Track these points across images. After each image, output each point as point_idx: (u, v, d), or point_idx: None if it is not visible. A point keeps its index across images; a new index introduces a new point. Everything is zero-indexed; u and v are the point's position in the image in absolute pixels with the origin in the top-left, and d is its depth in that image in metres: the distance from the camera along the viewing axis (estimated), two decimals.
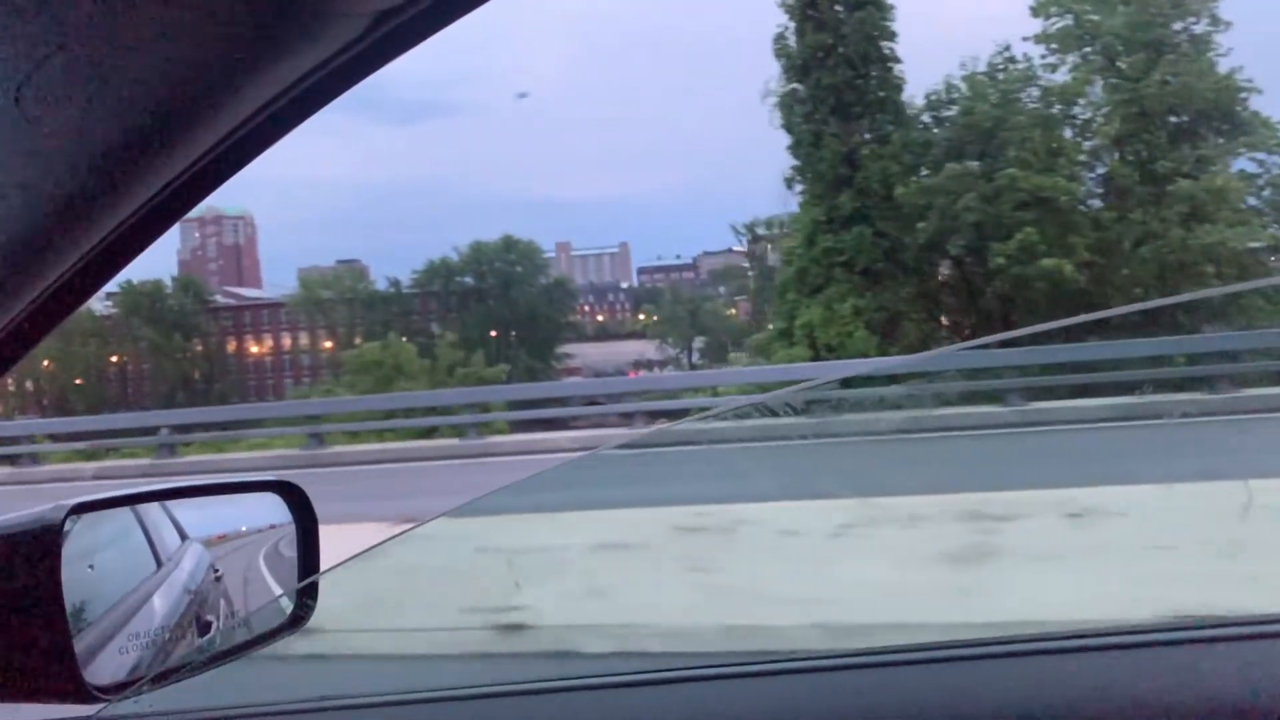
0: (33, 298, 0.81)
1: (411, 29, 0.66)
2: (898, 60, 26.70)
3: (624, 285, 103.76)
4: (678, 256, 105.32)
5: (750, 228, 77.20)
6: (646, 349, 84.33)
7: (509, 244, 77.39)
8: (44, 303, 0.83)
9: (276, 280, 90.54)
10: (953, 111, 26.84)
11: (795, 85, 26.65)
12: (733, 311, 76.83)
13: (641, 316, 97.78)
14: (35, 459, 15.76)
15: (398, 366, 40.37)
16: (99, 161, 0.69)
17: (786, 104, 26.77)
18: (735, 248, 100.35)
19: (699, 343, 65.22)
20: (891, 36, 26.42)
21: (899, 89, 26.86)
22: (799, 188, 27.18)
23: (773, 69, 27.19)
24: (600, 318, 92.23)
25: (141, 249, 0.80)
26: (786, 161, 27.06)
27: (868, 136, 26.32)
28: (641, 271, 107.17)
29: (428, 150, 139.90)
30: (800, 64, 26.32)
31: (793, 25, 26.65)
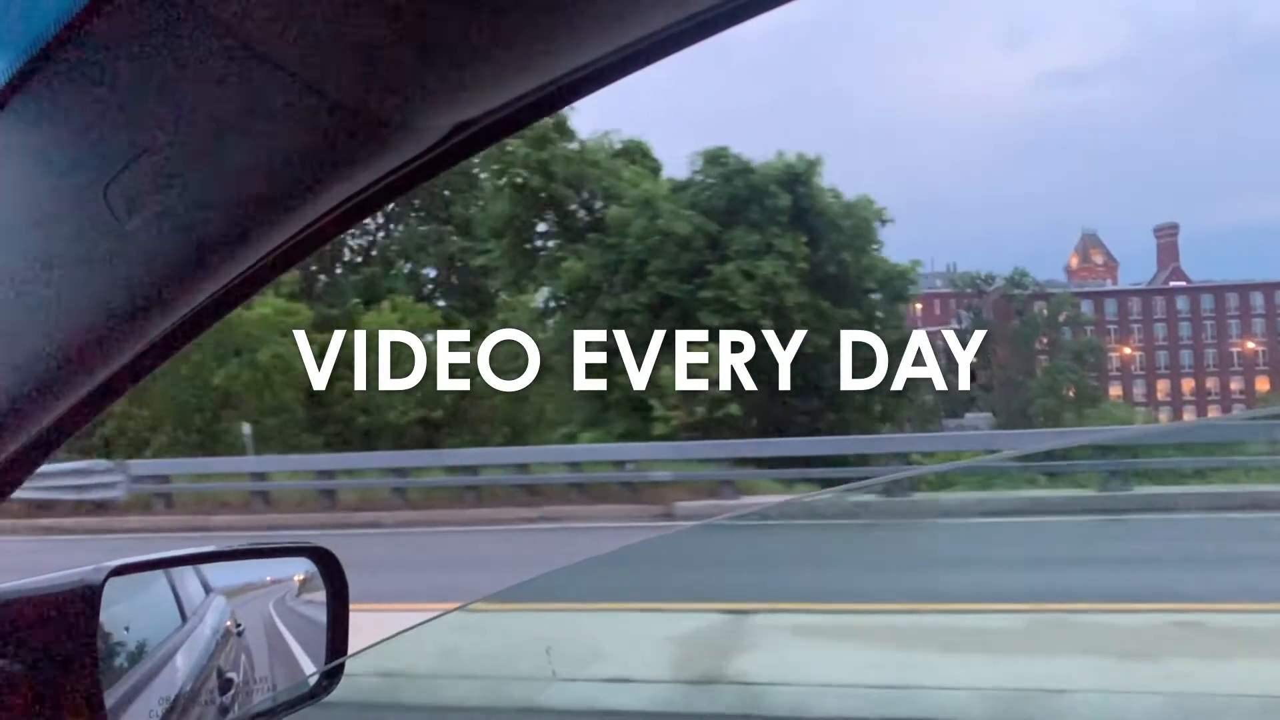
0: (108, 370, 0.85)
1: (483, 136, 0.69)
2: None
3: None
4: None
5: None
6: None
7: None
8: (118, 371, 0.86)
9: None
10: None
11: None
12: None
13: None
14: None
15: None
16: (171, 256, 0.73)
17: None
18: None
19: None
20: None
21: None
22: None
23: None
24: None
25: (200, 333, 0.84)
26: None
27: None
28: None
29: None
30: None
31: None
